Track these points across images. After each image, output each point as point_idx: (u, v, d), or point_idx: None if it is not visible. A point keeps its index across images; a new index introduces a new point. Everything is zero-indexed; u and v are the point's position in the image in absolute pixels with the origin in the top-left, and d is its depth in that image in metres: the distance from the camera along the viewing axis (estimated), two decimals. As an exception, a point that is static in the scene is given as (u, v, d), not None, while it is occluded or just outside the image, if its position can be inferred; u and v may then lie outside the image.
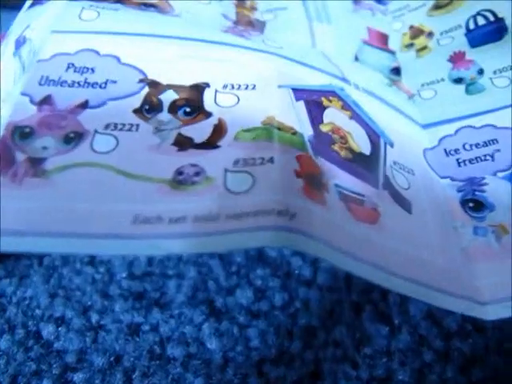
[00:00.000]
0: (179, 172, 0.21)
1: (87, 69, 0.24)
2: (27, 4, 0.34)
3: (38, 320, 0.28)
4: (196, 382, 0.25)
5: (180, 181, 0.21)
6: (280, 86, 0.26)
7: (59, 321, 0.27)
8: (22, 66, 0.28)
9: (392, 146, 0.26)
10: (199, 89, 0.25)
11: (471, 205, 0.26)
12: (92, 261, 0.29)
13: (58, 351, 0.27)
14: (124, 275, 0.28)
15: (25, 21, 0.31)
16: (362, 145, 0.25)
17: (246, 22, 0.31)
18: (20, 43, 0.29)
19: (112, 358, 0.26)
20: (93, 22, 0.26)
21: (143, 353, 0.26)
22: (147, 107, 0.24)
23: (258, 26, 0.32)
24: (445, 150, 0.28)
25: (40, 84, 0.23)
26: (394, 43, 0.33)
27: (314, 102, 0.26)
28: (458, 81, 0.30)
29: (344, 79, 0.28)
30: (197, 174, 0.21)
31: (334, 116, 0.25)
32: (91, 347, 0.27)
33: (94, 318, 0.27)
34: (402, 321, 0.27)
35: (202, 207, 0.20)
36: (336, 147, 0.24)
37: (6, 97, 0.29)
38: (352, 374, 0.25)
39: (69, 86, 0.24)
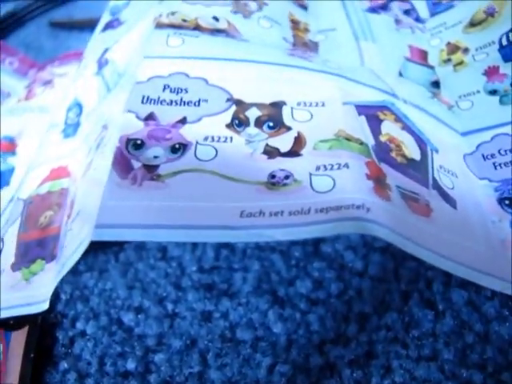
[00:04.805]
0: (272, 176, 0.24)
1: (181, 89, 0.26)
2: (99, 28, 0.36)
3: (118, 308, 0.29)
4: (264, 361, 0.26)
5: (273, 183, 0.24)
6: (344, 103, 0.28)
7: (138, 309, 0.29)
8: (105, 85, 0.30)
9: (437, 152, 0.28)
10: (278, 106, 0.27)
11: (507, 202, 0.27)
12: (164, 256, 0.30)
13: (139, 336, 0.28)
14: (194, 269, 0.30)
15: (102, 43, 0.33)
16: (413, 152, 0.27)
17: (302, 43, 0.33)
18: (102, 64, 0.31)
19: (188, 342, 0.28)
20: (179, 48, 0.28)
21: (216, 336, 0.27)
22: (237, 122, 0.26)
23: (313, 47, 0.33)
24: (482, 155, 0.29)
25: (142, 102, 0.26)
26: (432, 59, 0.34)
27: (373, 116, 0.27)
28: (493, 92, 0.31)
29: (394, 95, 0.30)
30: (286, 177, 0.24)
31: (389, 128, 0.27)
32: (169, 332, 0.28)
33: (170, 306, 0.29)
34: (445, 307, 0.27)
35: (296, 203, 0.23)
36: (393, 154, 0.26)
37: (90, 112, 0.32)
38: (402, 353, 0.26)
39: (167, 104, 0.26)
